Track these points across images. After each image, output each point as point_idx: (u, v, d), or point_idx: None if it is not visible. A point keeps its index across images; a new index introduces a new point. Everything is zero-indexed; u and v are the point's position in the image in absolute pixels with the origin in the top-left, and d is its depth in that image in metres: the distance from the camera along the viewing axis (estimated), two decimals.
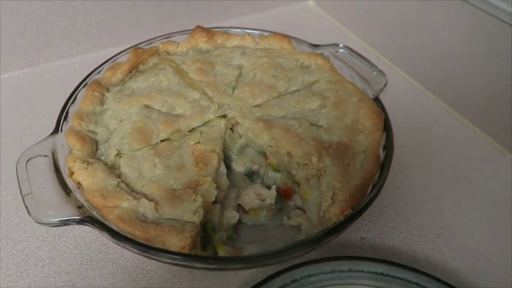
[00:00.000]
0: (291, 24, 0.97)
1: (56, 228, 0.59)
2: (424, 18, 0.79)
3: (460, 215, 0.62)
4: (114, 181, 0.52)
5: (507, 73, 0.67)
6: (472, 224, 0.61)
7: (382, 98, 0.65)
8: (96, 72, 0.69)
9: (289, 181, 0.60)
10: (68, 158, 0.55)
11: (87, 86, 0.65)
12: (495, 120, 0.72)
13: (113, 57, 0.72)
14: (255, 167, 0.62)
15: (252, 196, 0.58)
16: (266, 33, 0.77)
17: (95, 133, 0.60)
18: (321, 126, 0.60)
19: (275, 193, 0.58)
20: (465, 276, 0.55)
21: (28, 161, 0.54)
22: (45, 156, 0.55)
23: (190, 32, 0.77)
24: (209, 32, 0.76)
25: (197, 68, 0.69)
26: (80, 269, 0.55)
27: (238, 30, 0.79)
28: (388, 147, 0.58)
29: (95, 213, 0.50)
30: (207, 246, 0.54)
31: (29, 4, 0.79)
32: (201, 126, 0.61)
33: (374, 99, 0.65)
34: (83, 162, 0.54)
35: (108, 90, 0.67)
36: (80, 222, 0.49)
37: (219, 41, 0.77)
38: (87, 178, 0.52)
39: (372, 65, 0.69)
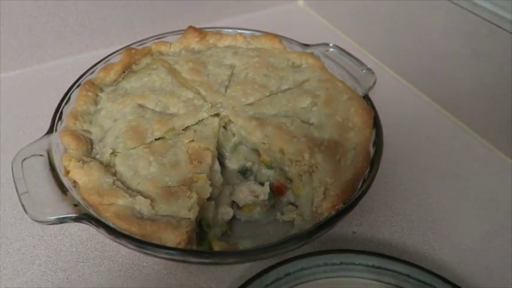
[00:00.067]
0: (282, 24, 0.98)
1: (51, 227, 0.59)
2: (412, 18, 0.81)
3: (448, 209, 0.64)
4: (109, 179, 0.53)
5: (493, 71, 0.69)
6: (460, 218, 0.63)
7: (371, 96, 0.67)
8: (89, 72, 0.69)
9: (282, 177, 0.61)
10: (63, 157, 0.55)
11: (80, 86, 0.66)
12: (482, 118, 0.74)
13: (105, 57, 0.72)
14: (249, 164, 0.64)
15: (245, 193, 0.59)
16: (257, 33, 0.78)
17: (90, 132, 0.61)
18: (312, 123, 0.61)
19: (268, 189, 0.59)
20: (453, 267, 0.56)
21: (23, 160, 0.54)
22: (41, 155, 0.55)
23: (182, 32, 0.77)
24: (201, 32, 0.77)
25: (190, 68, 0.70)
26: (77, 267, 0.55)
27: (230, 30, 0.80)
28: (378, 143, 0.59)
29: (91, 211, 0.50)
30: (202, 242, 0.55)
31: (21, 5, 0.79)
32: (194, 124, 0.61)
33: (364, 97, 0.66)
34: (79, 161, 0.54)
35: (101, 90, 0.67)
36: (76, 219, 0.49)
37: (211, 41, 0.78)
38: (83, 176, 0.53)
39: (361, 63, 0.71)
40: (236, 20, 1.02)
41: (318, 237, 0.50)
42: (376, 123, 0.62)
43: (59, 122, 0.61)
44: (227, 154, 0.64)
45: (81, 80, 0.67)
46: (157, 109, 0.63)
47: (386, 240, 0.59)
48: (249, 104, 0.64)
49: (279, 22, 1.01)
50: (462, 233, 0.61)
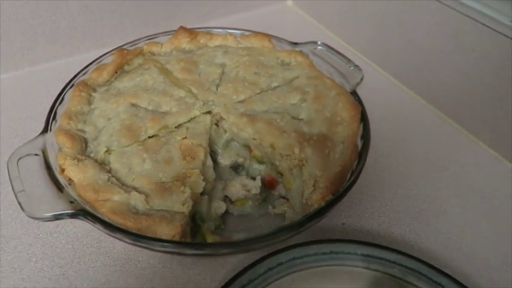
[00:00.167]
0: (271, 24, 1.00)
1: (47, 225, 0.60)
2: (398, 16, 0.84)
3: (434, 200, 0.66)
4: (104, 176, 0.54)
5: (475, 66, 0.72)
6: (446, 207, 0.65)
7: (359, 91, 0.69)
8: (82, 73, 0.70)
9: (273, 172, 0.63)
10: (59, 156, 0.56)
11: (74, 86, 0.67)
12: (466, 111, 0.76)
13: (98, 58, 0.73)
14: (240, 160, 0.65)
15: (238, 187, 0.60)
16: (247, 33, 0.80)
17: (84, 132, 0.62)
18: (302, 119, 0.63)
19: (260, 184, 0.61)
20: (438, 254, 0.58)
21: (19, 160, 0.55)
22: (36, 155, 0.56)
23: (173, 32, 0.79)
24: (192, 32, 0.79)
25: (181, 67, 0.72)
26: (73, 263, 0.56)
27: (220, 30, 0.81)
28: (366, 137, 0.61)
29: (87, 207, 0.51)
30: (196, 235, 0.56)
31: (12, 7, 0.79)
32: (187, 122, 0.63)
33: (351, 93, 0.68)
34: (74, 159, 0.55)
35: (94, 90, 0.69)
36: (72, 216, 0.50)
37: (201, 41, 0.79)
38: (78, 174, 0.54)
39: (348, 60, 0.73)
40: (226, 20, 1.03)
41: (309, 228, 0.52)
42: (364, 118, 0.64)
43: (53, 122, 0.62)
44: (219, 150, 0.66)
45: (74, 80, 0.68)
46: (150, 108, 0.65)
47: (374, 230, 0.61)
48: (240, 102, 0.66)
49: (268, 22, 1.02)
50: (447, 222, 0.63)
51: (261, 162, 0.63)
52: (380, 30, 0.88)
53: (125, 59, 0.73)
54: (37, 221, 0.60)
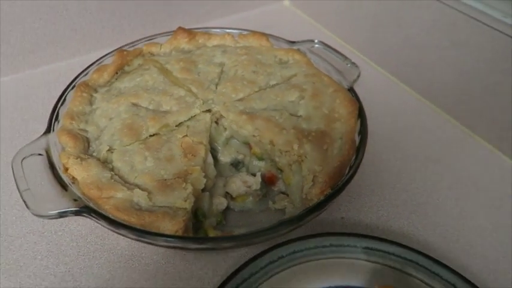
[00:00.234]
0: (269, 23, 1.01)
1: (51, 223, 0.61)
2: (393, 14, 0.85)
3: (431, 193, 0.67)
4: (107, 174, 0.55)
5: (470, 61, 0.73)
6: (443, 200, 0.66)
7: (356, 88, 0.70)
8: (83, 74, 0.71)
9: (272, 168, 0.64)
10: (62, 155, 0.57)
11: (75, 87, 0.68)
12: (461, 106, 0.78)
13: (98, 59, 0.74)
14: (240, 157, 0.66)
15: (238, 183, 0.62)
16: (245, 32, 0.81)
17: (86, 131, 0.63)
18: (300, 116, 0.64)
19: (260, 179, 0.62)
20: (436, 246, 0.60)
21: (23, 159, 0.56)
22: (39, 154, 0.57)
23: (172, 33, 0.80)
24: (190, 32, 0.80)
25: (181, 67, 0.73)
26: (78, 260, 0.57)
27: (218, 30, 0.83)
28: (363, 132, 0.62)
29: (91, 205, 0.52)
30: (198, 231, 0.57)
31: (13, 11, 0.80)
32: (187, 120, 0.64)
33: (349, 90, 0.69)
34: (77, 158, 0.56)
35: (96, 91, 0.70)
36: (77, 213, 0.51)
37: (200, 41, 0.81)
38: (81, 172, 0.55)
39: (345, 58, 0.74)
40: (223, 20, 1.05)
41: (308, 221, 0.53)
42: (361, 114, 0.65)
43: (56, 123, 0.63)
44: (219, 148, 0.67)
45: (75, 81, 0.69)
46: (150, 107, 0.66)
47: (373, 224, 0.62)
48: (239, 100, 0.67)
49: (265, 22, 1.03)
50: (444, 215, 0.64)
51: (260, 158, 0.64)
52: (376, 28, 0.90)
53: (125, 60, 0.75)
54: (41, 220, 0.61)
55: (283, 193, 0.64)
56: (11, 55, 0.85)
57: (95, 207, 0.52)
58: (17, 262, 0.57)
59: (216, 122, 0.66)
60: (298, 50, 0.77)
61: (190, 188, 0.54)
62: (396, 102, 0.83)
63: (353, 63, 0.73)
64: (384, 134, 0.76)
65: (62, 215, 0.51)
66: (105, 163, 0.58)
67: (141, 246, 0.59)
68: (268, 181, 0.64)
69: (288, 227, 0.51)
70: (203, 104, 0.66)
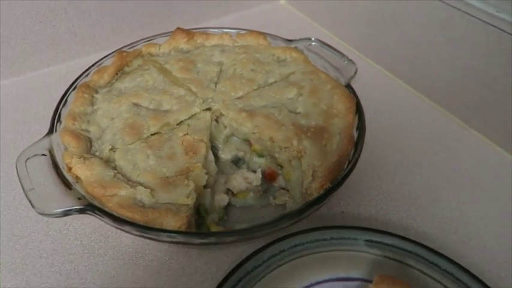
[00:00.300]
0: (265, 23, 1.02)
1: (56, 222, 0.62)
2: (389, 10, 0.86)
3: (429, 186, 0.68)
4: (111, 173, 0.56)
5: (465, 56, 0.74)
6: (440, 193, 0.67)
7: (353, 85, 0.71)
8: (83, 76, 0.72)
9: (272, 164, 0.65)
10: (65, 155, 0.58)
11: (76, 88, 0.69)
12: (456, 100, 0.79)
13: (98, 61, 0.75)
14: (241, 154, 0.67)
15: (239, 180, 0.63)
16: (243, 32, 0.82)
17: (88, 131, 0.64)
18: (299, 112, 0.65)
19: (260, 175, 0.63)
20: (435, 237, 0.61)
21: (27, 160, 0.57)
22: (43, 155, 0.58)
23: (171, 34, 0.81)
24: (189, 33, 0.81)
25: (180, 67, 0.74)
26: (83, 258, 0.58)
27: (216, 30, 0.84)
28: (361, 127, 0.63)
29: (95, 203, 0.53)
30: (201, 227, 0.58)
31: (13, 15, 0.81)
32: (188, 119, 0.65)
33: (346, 86, 0.70)
34: (80, 158, 0.57)
35: (96, 92, 0.70)
36: (81, 211, 0.52)
37: (198, 41, 0.82)
38: (85, 171, 0.56)
39: (342, 55, 0.75)
40: (221, 21, 1.06)
41: (309, 215, 0.54)
42: (359, 109, 0.66)
43: (58, 123, 0.64)
44: (220, 146, 0.68)
45: (76, 83, 0.70)
46: (151, 107, 0.67)
47: (373, 217, 0.63)
48: (238, 98, 0.68)
49: (262, 21, 1.05)
50: (442, 207, 0.65)
51: (260, 155, 0.65)
52: (372, 25, 0.91)
53: (125, 61, 0.76)
54: (46, 220, 0.62)
55: (283, 189, 0.64)
56: (11, 58, 0.86)
57: (99, 205, 0.53)
58: (22, 261, 0.58)
59: (216, 120, 0.67)
60: (296, 48, 0.78)
61: (192, 185, 0.55)
62: (393, 97, 0.85)
63: (350, 60, 0.74)
64: (382, 129, 0.77)
65: (66, 213, 0.52)
66: (107, 162, 0.59)
67: (144, 243, 0.60)
68: (268, 177, 0.65)
69: (289, 220, 0.52)
70: (203, 102, 0.67)
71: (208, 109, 0.67)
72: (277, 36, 0.81)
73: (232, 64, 0.74)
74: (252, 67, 0.73)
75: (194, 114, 0.66)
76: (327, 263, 0.54)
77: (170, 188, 0.55)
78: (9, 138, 0.76)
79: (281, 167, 0.64)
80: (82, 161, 0.57)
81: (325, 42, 0.78)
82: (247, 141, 0.66)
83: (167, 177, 0.57)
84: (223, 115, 0.66)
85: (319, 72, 0.73)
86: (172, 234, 0.50)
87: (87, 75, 0.73)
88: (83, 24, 0.90)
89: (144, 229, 0.50)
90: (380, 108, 0.81)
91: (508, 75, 0.68)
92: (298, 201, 0.60)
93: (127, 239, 0.60)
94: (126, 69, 0.76)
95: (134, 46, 0.79)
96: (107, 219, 0.52)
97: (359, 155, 0.59)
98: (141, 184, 0.56)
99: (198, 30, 0.82)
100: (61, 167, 0.57)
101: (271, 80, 0.71)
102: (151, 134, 0.62)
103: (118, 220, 0.51)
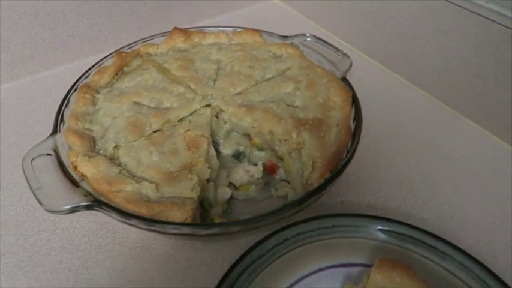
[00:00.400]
0: (260, 20, 1.04)
1: (62, 220, 0.63)
2: (380, 4, 0.88)
3: (426, 173, 0.70)
4: (116, 169, 0.58)
5: (456, 47, 0.76)
6: (437, 180, 0.69)
7: (348, 78, 0.73)
8: (84, 77, 0.73)
9: (273, 157, 0.66)
10: (70, 154, 0.59)
11: (78, 89, 0.70)
12: (450, 90, 0.81)
13: (98, 62, 0.76)
14: (241, 148, 0.69)
15: (241, 173, 0.64)
16: (239, 30, 0.84)
17: (91, 131, 0.65)
18: (297, 106, 0.67)
19: (261, 168, 0.64)
20: (432, 222, 0.63)
21: (32, 160, 0.58)
22: (48, 155, 0.59)
23: (168, 33, 0.82)
24: (186, 32, 0.82)
25: (179, 65, 0.75)
26: (91, 254, 0.60)
27: (212, 28, 0.85)
28: (358, 118, 0.65)
29: (102, 199, 0.55)
30: (205, 219, 0.59)
31: (12, 19, 0.82)
32: (188, 116, 0.66)
33: (342, 79, 0.72)
34: (85, 156, 0.59)
35: (97, 92, 0.72)
36: (88, 207, 0.53)
37: (195, 40, 0.83)
38: (91, 169, 0.57)
39: (336, 49, 0.76)
40: (216, 20, 1.07)
41: (310, 204, 0.55)
42: (355, 101, 0.67)
43: (61, 124, 0.65)
44: (221, 141, 0.69)
45: (77, 84, 0.71)
46: (152, 105, 0.68)
47: (372, 205, 0.65)
48: (237, 94, 0.69)
49: (257, 19, 1.06)
50: (439, 193, 0.67)
51: (261, 149, 0.67)
52: (364, 20, 0.93)
53: (124, 61, 0.77)
54: (53, 218, 0.64)
55: (284, 180, 0.66)
56: (11, 62, 0.87)
57: (106, 201, 0.54)
58: (32, 259, 0.59)
59: (216, 116, 0.68)
60: (291, 44, 0.79)
61: (196, 179, 0.57)
62: (387, 89, 0.87)
63: (344, 54, 0.75)
64: (378, 120, 0.79)
65: (74, 209, 0.53)
66: (112, 159, 0.60)
67: (150, 238, 0.61)
68: (269, 170, 0.67)
69: (291, 209, 0.54)
70: (203, 99, 0.68)
71: (208, 105, 0.68)
72: (273, 33, 0.82)
73: (230, 61, 0.76)
74: (249, 64, 0.75)
75: (195, 111, 0.67)
76: (329, 250, 0.56)
77: (174, 182, 0.57)
78: (11, 141, 0.77)
79: (281, 159, 0.66)
80: (87, 159, 0.58)
81: (319, 37, 0.79)
82: (248, 136, 0.68)
83: (171, 172, 0.58)
84: (223, 111, 0.67)
85: (315, 66, 0.74)
86: (178, 226, 0.52)
87: (87, 76, 0.74)
88: (81, 27, 0.91)
89: (151, 222, 0.51)
90: (375, 100, 0.83)
91: (498, 64, 0.70)
92: (299, 192, 0.62)
93: (134, 234, 0.61)
94: (126, 69, 0.77)
95: (132, 46, 0.81)
96: (114, 214, 0.53)
97: (357, 144, 0.61)
98: (146, 179, 0.57)
99: (194, 30, 0.84)
100: (66, 166, 0.58)
101: (268, 76, 0.73)
102: (154, 131, 0.64)
103: (125, 215, 0.52)
